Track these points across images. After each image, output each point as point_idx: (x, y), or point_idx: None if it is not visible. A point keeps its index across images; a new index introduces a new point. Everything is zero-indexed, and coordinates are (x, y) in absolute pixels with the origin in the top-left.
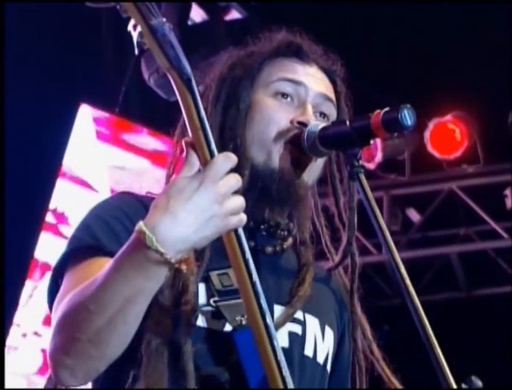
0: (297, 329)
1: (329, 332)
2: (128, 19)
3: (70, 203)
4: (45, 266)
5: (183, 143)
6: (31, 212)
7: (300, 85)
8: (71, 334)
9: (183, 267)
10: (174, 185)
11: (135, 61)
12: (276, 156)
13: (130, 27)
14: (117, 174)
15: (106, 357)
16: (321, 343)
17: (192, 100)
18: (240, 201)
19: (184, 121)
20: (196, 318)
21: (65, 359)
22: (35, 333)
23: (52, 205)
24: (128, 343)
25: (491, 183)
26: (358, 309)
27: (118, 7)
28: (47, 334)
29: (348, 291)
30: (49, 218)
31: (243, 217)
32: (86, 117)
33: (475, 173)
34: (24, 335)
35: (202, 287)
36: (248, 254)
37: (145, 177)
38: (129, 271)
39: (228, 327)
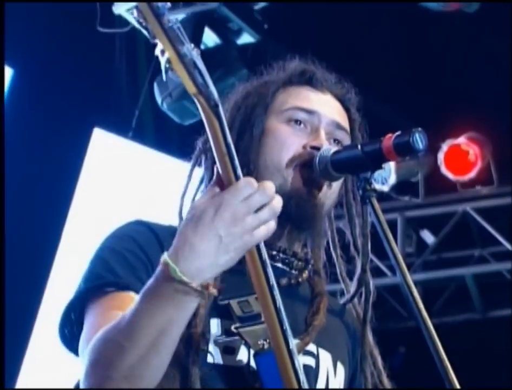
0: (311, 361)
1: (340, 369)
2: (141, 42)
3: (84, 227)
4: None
5: (214, 177)
6: (44, 240)
7: (313, 114)
8: (105, 373)
9: (211, 290)
10: (193, 212)
11: (148, 86)
12: (289, 179)
13: (157, 52)
14: (131, 198)
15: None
16: (333, 378)
17: (219, 125)
18: (259, 217)
19: (203, 142)
20: (207, 353)
21: None
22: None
23: (66, 230)
24: (161, 378)
25: (505, 205)
26: (370, 339)
27: (146, 33)
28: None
29: (361, 321)
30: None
31: (271, 225)
32: (99, 142)
33: (489, 194)
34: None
35: (214, 321)
36: (273, 281)
37: (158, 202)
38: (159, 303)
39: (241, 357)
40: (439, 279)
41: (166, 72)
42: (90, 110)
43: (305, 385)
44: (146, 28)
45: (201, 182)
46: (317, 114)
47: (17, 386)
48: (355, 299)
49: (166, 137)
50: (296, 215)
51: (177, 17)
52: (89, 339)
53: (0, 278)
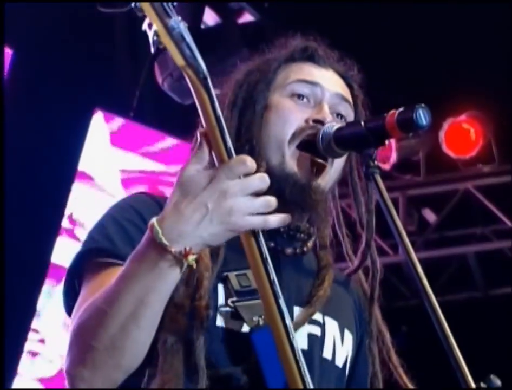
0: (316, 330)
1: (348, 336)
2: (141, 22)
3: (86, 207)
4: (62, 270)
5: (197, 132)
6: (47, 217)
7: (316, 86)
8: (87, 342)
9: (191, 259)
10: (183, 180)
11: (148, 66)
12: (290, 160)
13: (144, 26)
14: (131, 178)
15: (123, 367)
16: (340, 346)
17: (208, 98)
18: (261, 201)
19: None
20: (215, 318)
21: (82, 371)
22: (55, 338)
23: (68, 210)
24: (144, 354)
25: (506, 182)
26: (378, 316)
27: (133, 6)
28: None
29: (367, 297)
30: (65, 223)
31: (269, 219)
32: (100, 123)
33: (490, 172)
34: (42, 341)
35: (220, 287)
36: (266, 254)
37: (159, 182)
38: (140, 268)
39: (245, 328)
40: (441, 257)
41: (154, 45)
42: (90, 91)
43: (302, 361)
44: (133, 3)
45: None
46: (320, 86)
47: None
48: (362, 276)
49: (168, 117)
50: (295, 199)
51: None
52: (78, 310)
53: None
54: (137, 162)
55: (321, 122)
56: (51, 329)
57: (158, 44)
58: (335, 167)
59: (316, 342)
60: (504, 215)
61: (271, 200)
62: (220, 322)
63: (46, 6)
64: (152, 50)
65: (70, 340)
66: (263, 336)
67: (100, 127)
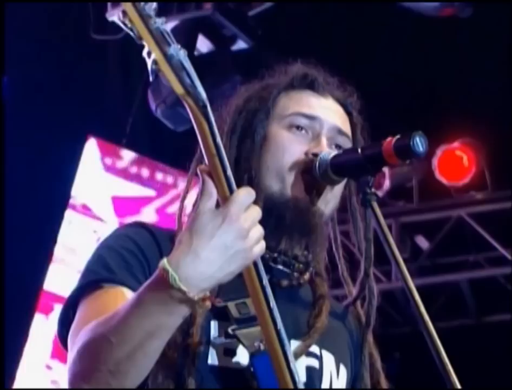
0: (314, 363)
1: (343, 371)
2: (134, 49)
3: (78, 234)
4: (54, 298)
5: (198, 170)
6: (39, 244)
7: (315, 120)
8: (92, 364)
9: (207, 303)
10: (197, 221)
11: (141, 92)
12: (290, 185)
13: (144, 54)
14: (123, 204)
15: (125, 387)
16: (336, 380)
17: (208, 127)
18: (260, 230)
19: (199, 154)
20: (207, 355)
21: (84, 385)
22: (47, 366)
23: (60, 237)
24: (146, 375)
25: (499, 210)
26: (370, 341)
27: (132, 34)
28: (57, 367)
29: (363, 323)
30: (58, 249)
31: (264, 244)
32: (93, 150)
33: (483, 199)
34: (34, 368)
35: (213, 322)
36: (266, 281)
37: (151, 208)
38: (152, 307)
39: (239, 359)
40: (434, 284)
41: (153, 73)
42: (83, 118)
43: (300, 385)
44: (132, 30)
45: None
46: (318, 119)
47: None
48: (358, 303)
49: (161, 144)
50: (295, 223)
51: (170, 24)
52: (77, 331)
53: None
54: (129, 189)
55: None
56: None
57: (157, 72)
58: (334, 192)
59: (314, 375)
60: (497, 242)
61: (260, 226)
62: (211, 359)
63: (39, 32)
64: (150, 78)
65: (74, 357)
66: (264, 361)
67: (93, 153)
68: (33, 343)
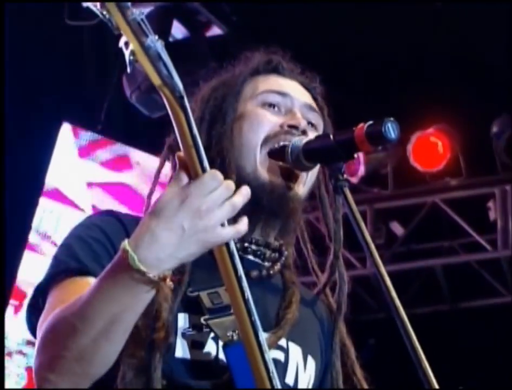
0: (280, 356)
1: (311, 363)
2: (110, 35)
3: (53, 222)
4: (29, 285)
5: (176, 157)
6: (14, 232)
7: (286, 96)
8: (56, 351)
9: (169, 284)
10: (158, 203)
11: (116, 78)
12: (262, 167)
13: (121, 44)
14: (99, 191)
15: (90, 375)
16: (302, 372)
17: (184, 117)
18: (225, 210)
19: (173, 139)
20: (174, 348)
21: (49, 375)
22: (20, 352)
23: (35, 224)
24: (112, 363)
25: (474, 196)
26: (342, 329)
27: (109, 24)
28: (32, 353)
29: (334, 311)
30: (32, 237)
31: (239, 228)
32: (67, 136)
33: (458, 185)
34: (9, 354)
35: (181, 315)
36: (241, 271)
37: (127, 194)
38: (115, 290)
39: (209, 350)
40: (409, 270)
41: (130, 64)
42: (58, 104)
43: (275, 377)
44: (109, 21)
45: (170, 180)
46: (289, 96)
47: None
48: (328, 290)
49: (135, 130)
50: (272, 208)
51: (144, 9)
52: (45, 318)
53: None
54: (104, 175)
55: (295, 127)
56: (17, 343)
57: (135, 63)
58: (310, 176)
59: (279, 367)
60: (471, 228)
61: (236, 202)
62: (179, 352)
63: (13, 18)
64: (128, 70)
65: (39, 346)
66: (237, 351)
67: (67, 139)
68: (8, 330)
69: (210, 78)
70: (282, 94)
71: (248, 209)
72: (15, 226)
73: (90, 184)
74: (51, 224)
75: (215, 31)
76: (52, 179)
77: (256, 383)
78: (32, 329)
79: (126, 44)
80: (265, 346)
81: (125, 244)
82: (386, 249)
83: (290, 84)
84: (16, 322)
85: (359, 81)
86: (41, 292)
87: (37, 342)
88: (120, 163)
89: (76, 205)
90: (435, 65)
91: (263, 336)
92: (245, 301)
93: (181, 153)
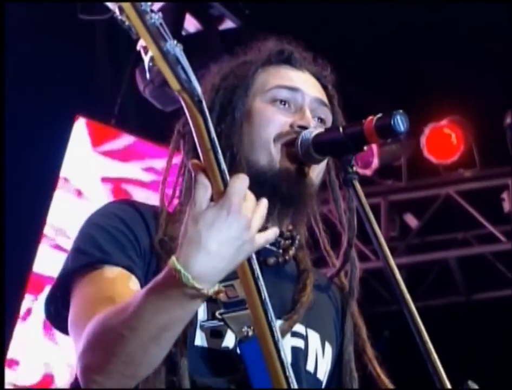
0: (300, 343)
1: (328, 349)
2: (122, 29)
3: (68, 215)
4: (44, 279)
5: (190, 165)
6: (29, 225)
7: (297, 92)
8: (104, 356)
9: (220, 296)
10: (201, 215)
11: (129, 73)
12: (278, 155)
13: (139, 47)
14: (113, 186)
15: (138, 376)
16: (321, 358)
17: (203, 121)
18: (260, 217)
19: (183, 125)
20: (194, 337)
21: (97, 377)
22: (36, 346)
23: (50, 218)
24: (159, 364)
25: (488, 187)
26: (355, 311)
27: (128, 29)
28: (48, 346)
29: (346, 294)
30: (47, 230)
31: (270, 236)
32: (82, 130)
33: (472, 177)
34: (25, 349)
35: (202, 305)
36: (258, 272)
37: (141, 188)
38: (165, 303)
39: (227, 343)
40: (423, 262)
41: (149, 70)
42: (72, 98)
43: (291, 375)
44: (129, 28)
45: (182, 166)
46: (300, 91)
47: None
48: (342, 274)
49: (149, 124)
50: (289, 195)
51: (157, 4)
52: (80, 318)
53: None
54: (120, 169)
55: (305, 128)
56: (33, 337)
57: (154, 69)
58: (320, 168)
59: (300, 355)
60: (485, 220)
61: (264, 208)
62: (198, 340)
63: (26, 13)
64: (148, 76)
65: (85, 348)
66: (252, 347)
67: (82, 134)
68: (23, 324)
69: (220, 65)
70: (293, 89)
71: (267, 198)
72: (30, 219)
73: (104, 179)
74: (65, 218)
75: (228, 24)
76: (66, 172)
77: (272, 381)
78: (51, 318)
79: (145, 48)
80: (281, 345)
81: (174, 262)
82: (400, 242)
83: (301, 77)
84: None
85: (373, 73)
86: (63, 284)
87: (81, 344)
88: (133, 155)
89: (89, 198)
90: (450, 57)
91: (278, 323)
92: (263, 302)
93: (195, 161)
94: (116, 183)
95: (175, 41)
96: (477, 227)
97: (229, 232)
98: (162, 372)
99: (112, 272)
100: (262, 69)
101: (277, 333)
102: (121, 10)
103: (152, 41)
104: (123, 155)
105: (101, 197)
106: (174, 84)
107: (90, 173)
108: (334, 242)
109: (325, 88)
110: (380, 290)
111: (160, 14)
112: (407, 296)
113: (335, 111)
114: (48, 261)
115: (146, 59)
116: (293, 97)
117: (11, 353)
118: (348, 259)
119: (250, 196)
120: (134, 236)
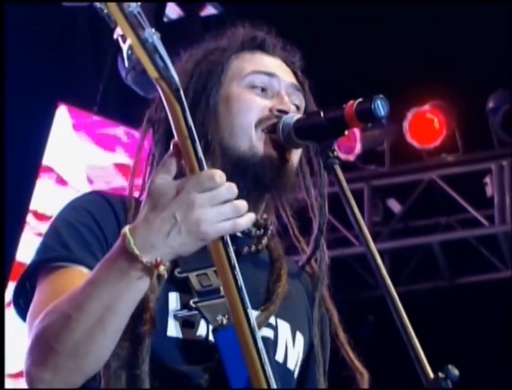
0: (269, 333)
1: (299, 338)
2: (105, 20)
3: (51, 202)
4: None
5: (171, 144)
6: (11, 213)
7: (273, 77)
8: (50, 346)
9: (161, 270)
10: (152, 190)
11: (111, 59)
12: (259, 142)
13: (116, 36)
14: (96, 172)
15: (84, 371)
16: (291, 348)
17: (180, 109)
18: (230, 207)
19: (154, 111)
20: (165, 327)
21: (43, 373)
22: (20, 334)
23: (32, 206)
24: (106, 359)
25: (470, 172)
26: (325, 296)
27: (106, 18)
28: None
29: (316, 279)
30: (30, 219)
31: (238, 222)
32: (64, 117)
33: (454, 161)
34: (8, 336)
35: (172, 294)
36: (235, 261)
37: (126, 174)
38: (111, 275)
39: (200, 332)
40: (407, 247)
41: (128, 58)
42: (54, 85)
43: (266, 363)
44: (108, 16)
45: (150, 155)
46: (276, 77)
47: None
48: (313, 261)
49: (132, 111)
50: (271, 183)
51: None
52: (36, 313)
53: None
54: (102, 156)
55: (285, 112)
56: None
57: (132, 56)
58: (299, 151)
59: (269, 345)
60: (468, 204)
61: (240, 205)
62: (172, 331)
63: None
64: (126, 64)
65: (31, 342)
66: (227, 335)
67: (64, 121)
68: (7, 312)
69: (192, 51)
70: (270, 75)
71: (250, 186)
72: (12, 207)
73: (87, 166)
74: (50, 205)
75: (210, 10)
76: (49, 160)
77: (248, 369)
78: (20, 311)
79: (122, 36)
80: (258, 333)
81: (126, 228)
82: (383, 227)
83: (275, 63)
84: None
85: (355, 58)
86: (29, 276)
87: (29, 339)
88: (116, 142)
89: (73, 186)
90: (430, 41)
91: (254, 314)
92: (239, 291)
93: (177, 141)
94: (99, 169)
95: (153, 30)
96: (460, 212)
97: (171, 210)
98: (122, 378)
99: (74, 271)
100: (235, 55)
101: (254, 322)
102: None
103: (130, 29)
104: (106, 142)
105: (84, 184)
106: (152, 72)
107: (73, 159)
108: (303, 228)
109: (295, 73)
110: (365, 275)
111: (138, 3)
112: (389, 281)
113: (307, 97)
114: (32, 250)
115: (124, 47)
116: (269, 83)
117: None
118: (319, 245)
119: (225, 187)
120: (102, 233)
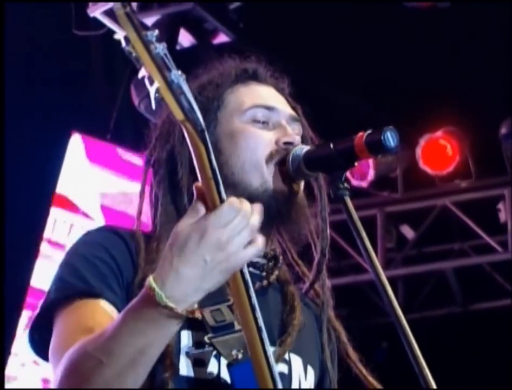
0: (284, 368)
1: (310, 372)
2: (117, 43)
3: (66, 231)
4: (42, 295)
5: (194, 187)
6: (26, 241)
7: (273, 110)
8: (79, 384)
9: (198, 316)
10: (176, 237)
11: (124, 87)
12: (270, 177)
13: (141, 75)
14: (110, 200)
15: None
16: (304, 382)
17: (205, 151)
18: (243, 235)
19: (148, 162)
20: (179, 365)
21: None
22: (34, 362)
23: (46, 234)
24: None
25: (483, 198)
26: (331, 317)
27: (133, 60)
28: (44, 363)
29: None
30: (44, 246)
31: (258, 243)
32: (78, 146)
33: (467, 187)
34: (23, 365)
35: (184, 333)
36: (252, 290)
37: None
38: (141, 324)
39: (211, 369)
40: (420, 273)
41: (156, 101)
42: (67, 114)
43: None
44: (136, 59)
45: (152, 197)
46: (276, 109)
47: None
48: (317, 287)
49: (145, 139)
50: (282, 215)
51: (151, 18)
52: (60, 347)
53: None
54: (116, 184)
55: (291, 144)
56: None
57: (159, 99)
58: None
59: (284, 381)
60: (481, 230)
61: (255, 223)
62: (184, 370)
63: (21, 28)
64: (153, 106)
65: (61, 377)
66: (242, 370)
67: (77, 149)
68: (21, 340)
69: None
70: (270, 108)
71: (263, 221)
72: (26, 236)
73: (100, 194)
74: (64, 233)
75: (222, 38)
76: (62, 188)
77: None
78: (36, 348)
79: (149, 78)
80: (275, 368)
81: (151, 281)
82: (396, 253)
83: (270, 94)
84: None
85: (367, 85)
86: (47, 313)
87: (58, 372)
88: (130, 172)
89: (87, 214)
90: (444, 68)
91: (271, 349)
92: (256, 321)
93: (199, 184)
94: (113, 197)
95: (179, 71)
96: (473, 238)
97: (200, 254)
98: None
99: (94, 304)
100: (230, 89)
101: (272, 361)
102: (127, 40)
103: (157, 71)
104: (119, 170)
105: (98, 212)
106: (178, 114)
107: (87, 188)
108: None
109: (286, 100)
110: (378, 301)
111: (164, 44)
112: (399, 311)
113: (303, 124)
114: (46, 277)
115: (152, 89)
116: (269, 115)
117: (9, 370)
118: (321, 270)
119: (240, 219)
120: (117, 266)
